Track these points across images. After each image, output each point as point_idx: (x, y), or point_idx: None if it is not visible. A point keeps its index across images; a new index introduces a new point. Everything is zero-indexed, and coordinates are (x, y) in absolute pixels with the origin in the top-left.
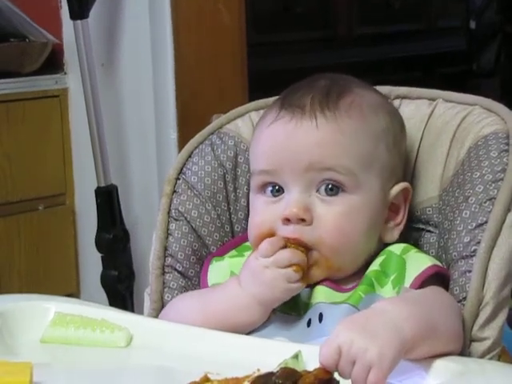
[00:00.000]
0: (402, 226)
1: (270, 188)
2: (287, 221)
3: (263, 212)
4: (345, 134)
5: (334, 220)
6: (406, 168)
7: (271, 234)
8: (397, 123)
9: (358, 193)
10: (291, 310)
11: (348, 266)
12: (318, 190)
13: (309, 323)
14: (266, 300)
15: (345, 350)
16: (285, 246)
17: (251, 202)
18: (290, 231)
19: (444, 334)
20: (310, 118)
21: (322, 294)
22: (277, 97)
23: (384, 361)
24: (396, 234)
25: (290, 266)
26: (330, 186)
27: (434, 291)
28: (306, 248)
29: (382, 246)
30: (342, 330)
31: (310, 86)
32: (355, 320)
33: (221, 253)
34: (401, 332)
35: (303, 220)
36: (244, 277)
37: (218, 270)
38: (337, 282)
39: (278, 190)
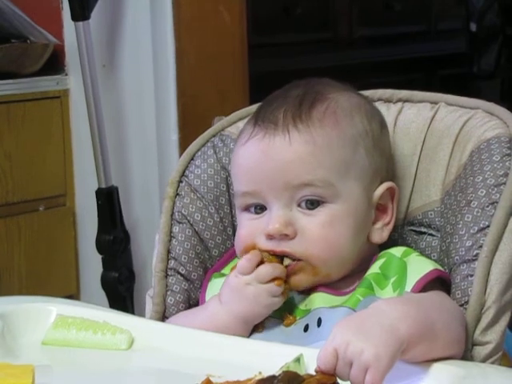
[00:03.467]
0: (391, 226)
1: (253, 208)
2: (270, 236)
3: (247, 227)
4: (318, 145)
5: (318, 231)
6: (391, 166)
7: (255, 248)
8: (375, 123)
9: (338, 201)
10: (286, 316)
11: (335, 272)
12: (299, 205)
13: (306, 328)
14: (248, 316)
15: (341, 352)
16: (262, 261)
17: (237, 218)
18: (273, 246)
19: (443, 337)
20: (282, 133)
21: (319, 299)
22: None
23: (380, 361)
24: (385, 234)
25: (271, 280)
26: (310, 201)
27: (435, 295)
28: (290, 258)
29: (375, 247)
30: (338, 332)
31: (283, 97)
32: (350, 321)
33: (219, 267)
34: (397, 332)
35: (286, 235)
36: (225, 295)
37: (216, 287)
38: (333, 286)
39: (261, 208)
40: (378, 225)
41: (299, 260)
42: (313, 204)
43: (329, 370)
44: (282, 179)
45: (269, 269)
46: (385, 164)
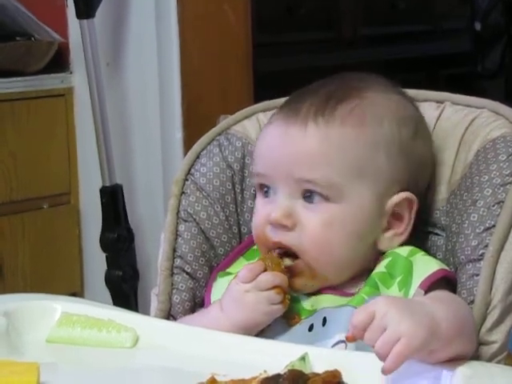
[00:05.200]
0: (404, 237)
1: (265, 189)
2: (272, 224)
3: (259, 213)
4: (332, 144)
5: (316, 228)
6: (420, 176)
7: (265, 238)
8: (407, 130)
9: (342, 202)
10: (291, 316)
11: (333, 276)
12: (303, 197)
13: (311, 328)
14: (248, 324)
15: (379, 316)
16: (264, 270)
17: (255, 202)
18: (274, 236)
19: (468, 337)
20: (300, 124)
21: (325, 300)
22: (284, 98)
23: (414, 337)
24: (395, 243)
25: (271, 288)
26: (309, 195)
27: (453, 295)
28: (291, 256)
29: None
30: (382, 300)
31: (318, 88)
32: (396, 299)
33: (224, 266)
34: (436, 327)
35: (285, 226)
36: (226, 303)
37: (220, 287)
38: (338, 288)
39: (273, 192)
40: (389, 233)
41: (296, 258)
42: (314, 199)
43: (360, 328)
44: (288, 169)
45: (269, 277)
46: (408, 172)
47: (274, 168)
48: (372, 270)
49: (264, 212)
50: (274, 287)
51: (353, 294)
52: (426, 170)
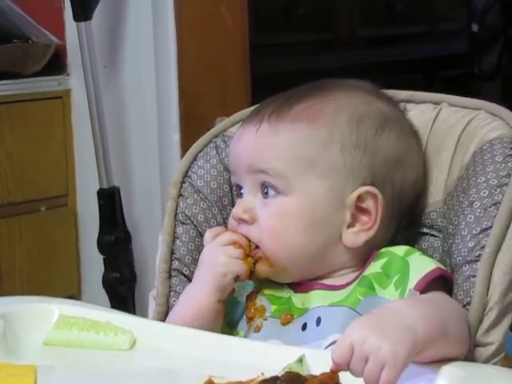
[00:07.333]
0: (371, 233)
1: (241, 190)
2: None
3: (232, 211)
4: (280, 137)
5: (266, 220)
6: (392, 171)
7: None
8: (368, 126)
9: (293, 195)
10: (283, 315)
11: (292, 266)
12: (262, 193)
13: (304, 327)
14: (214, 283)
15: (357, 347)
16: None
17: None
18: (240, 229)
19: (454, 338)
20: (255, 123)
21: (317, 298)
22: None
23: (397, 359)
24: (361, 239)
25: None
26: (265, 190)
27: (442, 296)
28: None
29: (356, 249)
30: (355, 327)
31: (288, 91)
32: (369, 318)
33: None
34: (414, 332)
35: (244, 220)
36: (196, 270)
37: None
38: (326, 281)
39: (242, 192)
40: (355, 228)
41: (257, 247)
42: (267, 193)
43: (343, 363)
44: (246, 163)
45: (228, 234)
46: (376, 168)
47: (237, 164)
48: (360, 266)
49: (234, 209)
50: (234, 243)
51: (342, 287)
52: (401, 166)
